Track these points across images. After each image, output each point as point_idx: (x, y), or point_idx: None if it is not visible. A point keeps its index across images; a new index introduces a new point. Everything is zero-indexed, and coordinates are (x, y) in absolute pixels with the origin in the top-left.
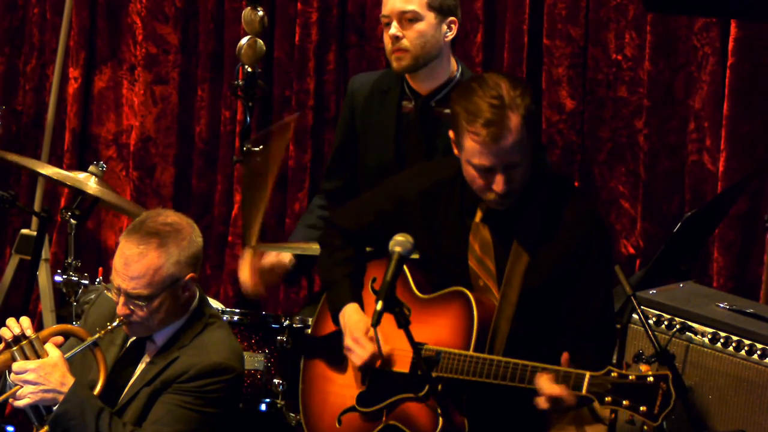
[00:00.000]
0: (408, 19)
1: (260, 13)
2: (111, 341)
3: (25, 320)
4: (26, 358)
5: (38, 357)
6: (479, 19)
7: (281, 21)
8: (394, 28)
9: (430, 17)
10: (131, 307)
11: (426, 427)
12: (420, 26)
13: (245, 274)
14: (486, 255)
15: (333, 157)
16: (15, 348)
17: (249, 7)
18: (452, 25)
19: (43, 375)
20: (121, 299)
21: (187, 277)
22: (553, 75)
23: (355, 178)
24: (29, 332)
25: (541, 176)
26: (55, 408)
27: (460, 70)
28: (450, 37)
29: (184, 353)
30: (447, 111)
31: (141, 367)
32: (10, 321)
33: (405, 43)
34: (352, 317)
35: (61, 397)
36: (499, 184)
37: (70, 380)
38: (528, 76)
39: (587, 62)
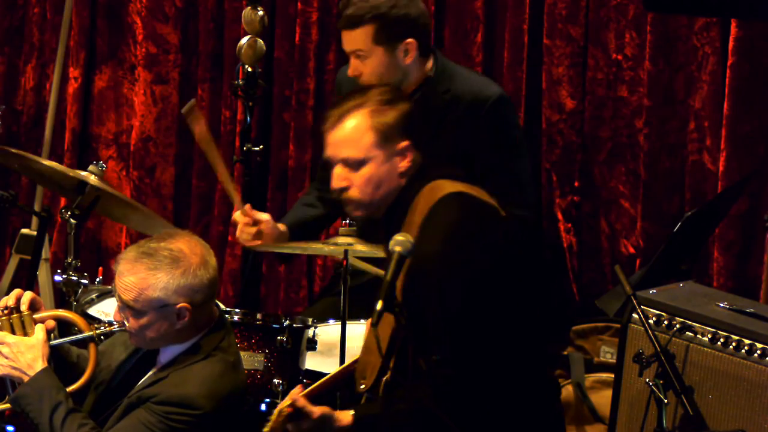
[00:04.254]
0: (359, 56)
1: (260, 12)
2: (124, 344)
3: (26, 295)
4: (12, 331)
5: (25, 334)
6: (479, 19)
7: (281, 21)
8: (351, 66)
9: (379, 52)
10: (123, 315)
11: None
12: (371, 62)
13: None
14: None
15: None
16: (3, 318)
17: (249, 7)
18: (409, 47)
19: (15, 352)
20: (118, 304)
21: (178, 305)
22: (553, 75)
23: None
24: (23, 308)
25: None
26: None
27: (434, 68)
28: (410, 59)
29: (171, 376)
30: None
31: (145, 378)
32: (13, 292)
33: (364, 78)
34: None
35: (25, 378)
36: (333, 179)
37: (40, 366)
38: (528, 76)
39: (587, 62)
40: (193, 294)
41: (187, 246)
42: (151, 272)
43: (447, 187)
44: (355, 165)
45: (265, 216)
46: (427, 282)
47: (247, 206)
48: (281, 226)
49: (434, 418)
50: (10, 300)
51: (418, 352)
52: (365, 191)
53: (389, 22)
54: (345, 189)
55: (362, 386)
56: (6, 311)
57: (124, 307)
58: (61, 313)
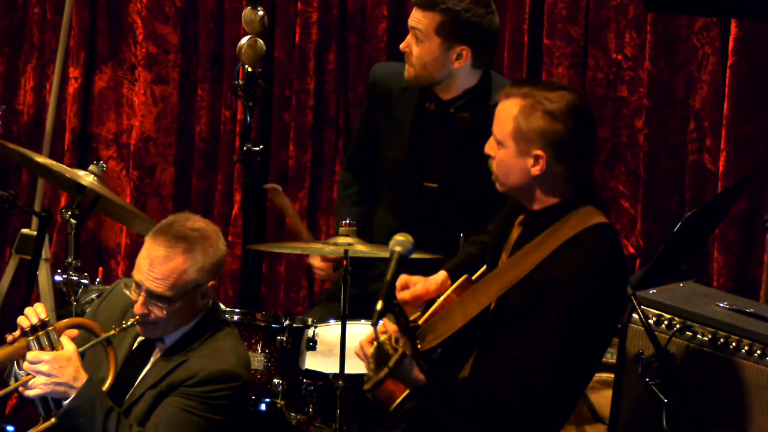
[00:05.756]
0: (416, 36)
1: (260, 12)
2: (121, 341)
3: (42, 309)
4: (41, 348)
5: (53, 348)
6: None
7: (281, 21)
8: (405, 41)
9: (435, 42)
10: (150, 307)
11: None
12: (423, 47)
13: (316, 260)
14: (506, 253)
15: (356, 142)
16: (31, 337)
17: (249, 7)
18: (463, 53)
19: (57, 368)
20: (141, 298)
21: (209, 284)
22: (553, 75)
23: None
24: (48, 322)
25: (578, 211)
26: (65, 402)
27: (482, 79)
28: (460, 65)
29: (192, 357)
30: (466, 115)
31: (149, 367)
32: (29, 310)
33: (411, 58)
34: (436, 276)
35: (72, 392)
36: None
37: (83, 376)
38: (528, 76)
39: (587, 62)
40: (217, 270)
41: (203, 222)
42: (189, 254)
43: (596, 216)
44: (497, 143)
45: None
46: (555, 301)
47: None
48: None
49: (502, 418)
50: (33, 318)
51: (506, 346)
52: (498, 172)
53: (457, 22)
54: (490, 160)
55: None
56: (29, 330)
57: (156, 298)
58: (76, 320)
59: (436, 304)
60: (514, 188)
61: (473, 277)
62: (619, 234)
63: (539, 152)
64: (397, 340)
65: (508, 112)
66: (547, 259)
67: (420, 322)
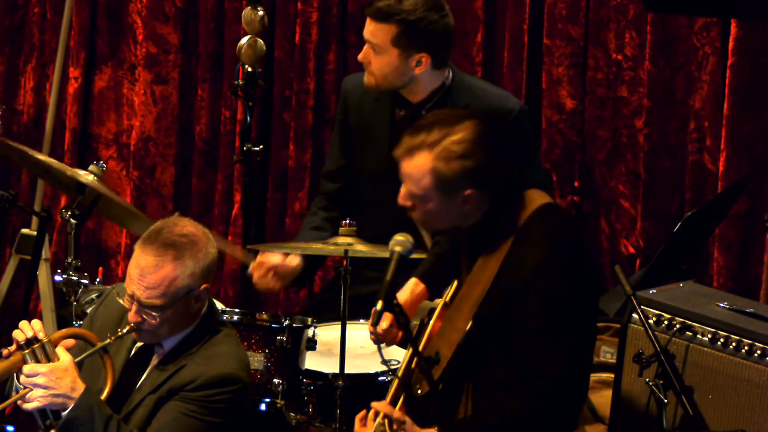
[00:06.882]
0: (373, 47)
1: (260, 12)
2: (119, 347)
3: (37, 323)
4: (37, 361)
5: (49, 360)
6: (479, 19)
7: (281, 21)
8: (363, 53)
9: (393, 53)
10: (143, 315)
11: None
12: (382, 59)
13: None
14: (465, 263)
15: (331, 158)
16: (27, 351)
17: (249, 7)
18: (422, 60)
19: (54, 379)
20: (134, 307)
21: (201, 287)
22: (553, 75)
23: (355, 180)
24: (41, 335)
25: (524, 208)
26: (64, 413)
27: (450, 76)
28: (421, 70)
29: (191, 361)
30: None
31: (147, 372)
32: (23, 324)
33: (370, 68)
34: (404, 290)
35: (70, 403)
36: (400, 195)
37: (81, 386)
38: (528, 76)
39: (587, 62)
40: (209, 274)
41: (192, 226)
42: (179, 261)
43: (537, 198)
44: (417, 198)
45: (276, 259)
46: (526, 305)
47: (258, 257)
48: (293, 260)
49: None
50: (28, 332)
51: (499, 363)
52: (426, 221)
53: (413, 32)
54: (410, 209)
55: (419, 391)
56: (24, 344)
57: (148, 307)
58: (71, 330)
59: (423, 339)
60: (450, 228)
61: (447, 299)
62: (561, 206)
63: (468, 192)
64: (391, 424)
65: (420, 169)
66: (504, 266)
67: (413, 366)
